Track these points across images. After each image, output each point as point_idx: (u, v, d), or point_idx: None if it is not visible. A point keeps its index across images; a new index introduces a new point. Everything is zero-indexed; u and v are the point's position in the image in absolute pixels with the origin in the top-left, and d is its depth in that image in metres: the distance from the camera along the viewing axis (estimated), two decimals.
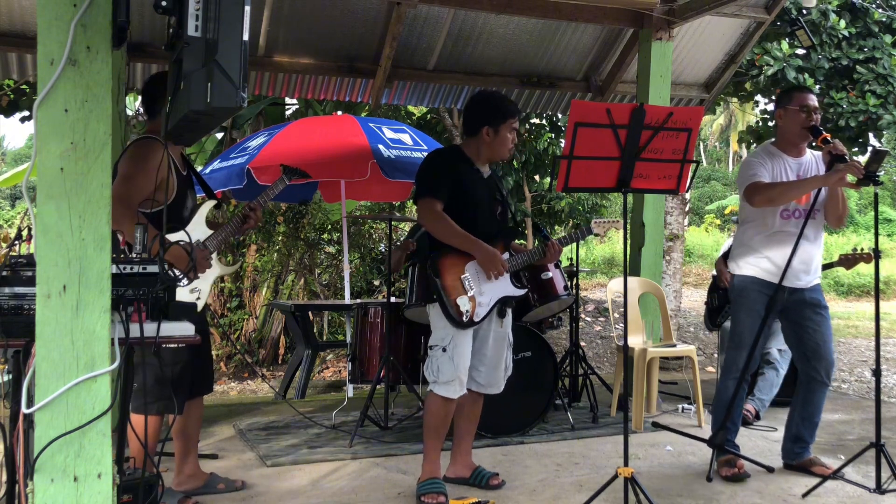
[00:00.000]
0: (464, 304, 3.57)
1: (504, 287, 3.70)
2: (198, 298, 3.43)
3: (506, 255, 3.73)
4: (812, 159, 4.01)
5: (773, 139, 4.12)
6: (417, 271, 4.15)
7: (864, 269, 5.86)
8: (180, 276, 3.22)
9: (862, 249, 5.37)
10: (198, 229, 3.47)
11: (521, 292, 3.79)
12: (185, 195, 3.45)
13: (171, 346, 2.40)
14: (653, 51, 5.85)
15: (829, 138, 3.73)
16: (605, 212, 11.84)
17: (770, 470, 4.00)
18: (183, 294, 3.31)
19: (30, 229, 2.40)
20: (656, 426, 4.49)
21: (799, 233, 3.74)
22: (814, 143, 3.91)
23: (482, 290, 3.63)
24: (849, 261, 5.41)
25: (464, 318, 3.56)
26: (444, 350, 3.56)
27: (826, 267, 5.81)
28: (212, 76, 1.99)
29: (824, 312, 3.97)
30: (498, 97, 3.87)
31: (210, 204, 3.58)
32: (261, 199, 3.74)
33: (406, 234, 6.52)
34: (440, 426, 3.62)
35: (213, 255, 3.53)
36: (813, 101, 3.90)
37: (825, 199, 3.86)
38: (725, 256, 5.65)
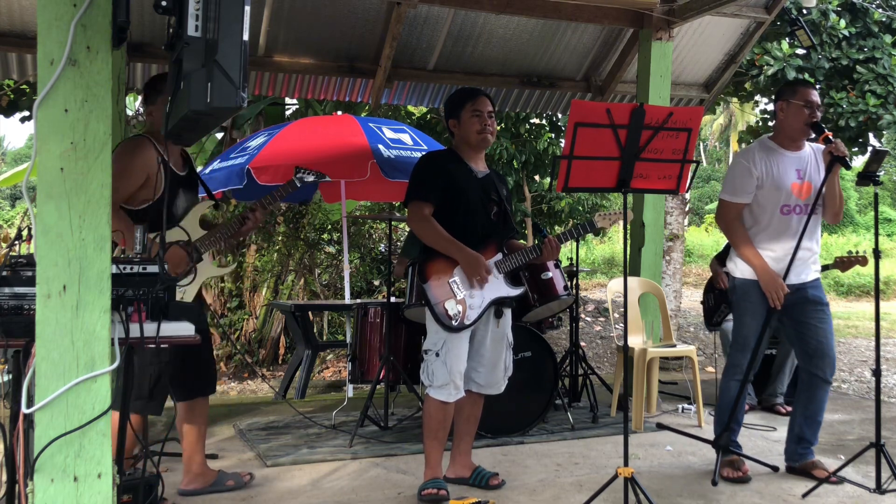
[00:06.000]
0: (452, 307, 3.56)
1: (497, 288, 3.67)
2: (181, 298, 3.39)
3: (499, 256, 3.71)
4: (811, 153, 3.97)
5: (771, 133, 4.08)
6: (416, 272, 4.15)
7: (864, 270, 5.85)
8: (174, 278, 3.23)
9: (857, 252, 5.33)
10: (191, 228, 3.44)
11: (517, 292, 3.76)
12: (175, 194, 3.41)
13: (150, 346, 2.39)
14: (653, 51, 5.85)
15: (830, 137, 3.71)
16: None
17: (775, 469, 4.00)
18: None
19: (30, 229, 2.40)
20: (660, 427, 4.48)
21: (802, 229, 3.74)
22: (813, 139, 3.91)
23: (472, 292, 3.61)
24: (844, 264, 5.38)
25: (453, 322, 3.55)
26: (437, 355, 3.56)
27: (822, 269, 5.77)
28: (212, 76, 1.99)
29: (826, 309, 3.95)
30: (457, 91, 3.92)
31: (206, 204, 3.57)
32: (265, 200, 3.66)
33: (407, 235, 6.52)
34: (439, 430, 3.61)
35: (205, 256, 3.51)
36: (816, 96, 3.88)
37: (824, 195, 3.84)
38: (719, 257, 5.64)
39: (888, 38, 8.17)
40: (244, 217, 3.58)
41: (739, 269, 3.96)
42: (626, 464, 3.24)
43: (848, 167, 3.73)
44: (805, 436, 3.96)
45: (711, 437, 4.03)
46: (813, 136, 3.87)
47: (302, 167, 3.81)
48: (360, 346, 5.06)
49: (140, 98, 9.06)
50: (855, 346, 9.88)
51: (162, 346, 2.43)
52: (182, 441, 3.61)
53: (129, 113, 8.65)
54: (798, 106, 3.86)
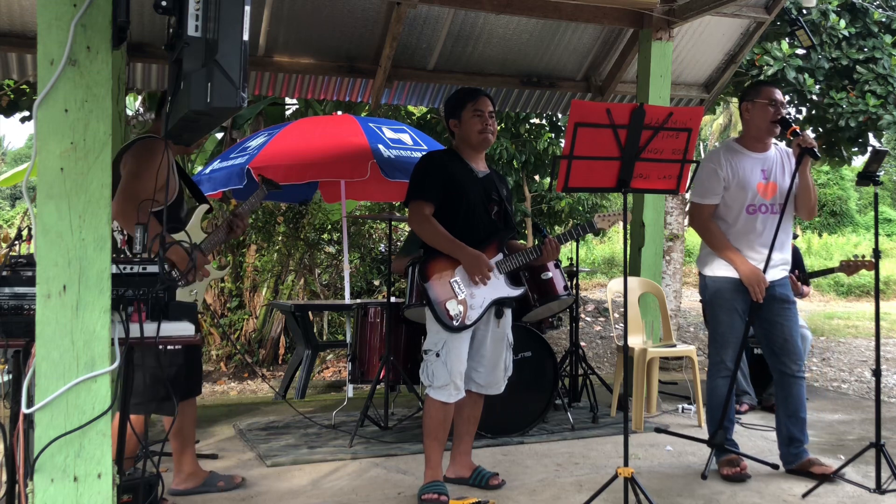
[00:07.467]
0: (453, 307, 3.56)
1: (498, 289, 3.68)
2: (195, 301, 3.45)
3: (499, 256, 3.71)
4: (777, 155, 4.01)
5: (737, 135, 4.14)
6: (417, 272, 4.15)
7: (864, 270, 5.90)
8: (180, 277, 3.24)
9: (863, 256, 5.33)
10: (194, 232, 3.49)
11: (518, 293, 3.76)
12: (182, 197, 3.48)
13: (169, 348, 2.41)
14: (653, 51, 5.86)
15: (798, 130, 3.76)
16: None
17: (775, 467, 4.00)
18: (182, 295, 3.32)
19: (30, 229, 2.40)
20: (659, 431, 4.48)
21: (776, 228, 3.76)
22: (779, 136, 3.95)
23: (473, 292, 3.61)
24: (850, 267, 5.38)
25: (454, 323, 3.55)
26: (437, 355, 3.56)
27: (827, 272, 5.81)
28: (212, 76, 1.99)
29: (793, 308, 4.00)
30: (457, 91, 3.94)
31: (203, 208, 3.60)
32: (244, 207, 3.80)
33: (408, 234, 6.52)
34: (439, 430, 3.61)
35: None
36: (780, 95, 3.93)
37: (796, 191, 3.86)
38: None
39: (888, 38, 8.17)
40: (232, 224, 3.67)
41: (711, 267, 4.00)
42: (626, 464, 3.24)
43: (816, 157, 3.75)
44: (794, 435, 3.96)
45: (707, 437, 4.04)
46: (779, 133, 3.92)
47: (265, 177, 4.01)
48: (360, 346, 5.06)
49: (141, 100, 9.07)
50: (855, 346, 9.88)
51: (175, 346, 2.44)
52: (172, 441, 3.61)
53: (129, 113, 8.65)
54: (762, 105, 3.90)
